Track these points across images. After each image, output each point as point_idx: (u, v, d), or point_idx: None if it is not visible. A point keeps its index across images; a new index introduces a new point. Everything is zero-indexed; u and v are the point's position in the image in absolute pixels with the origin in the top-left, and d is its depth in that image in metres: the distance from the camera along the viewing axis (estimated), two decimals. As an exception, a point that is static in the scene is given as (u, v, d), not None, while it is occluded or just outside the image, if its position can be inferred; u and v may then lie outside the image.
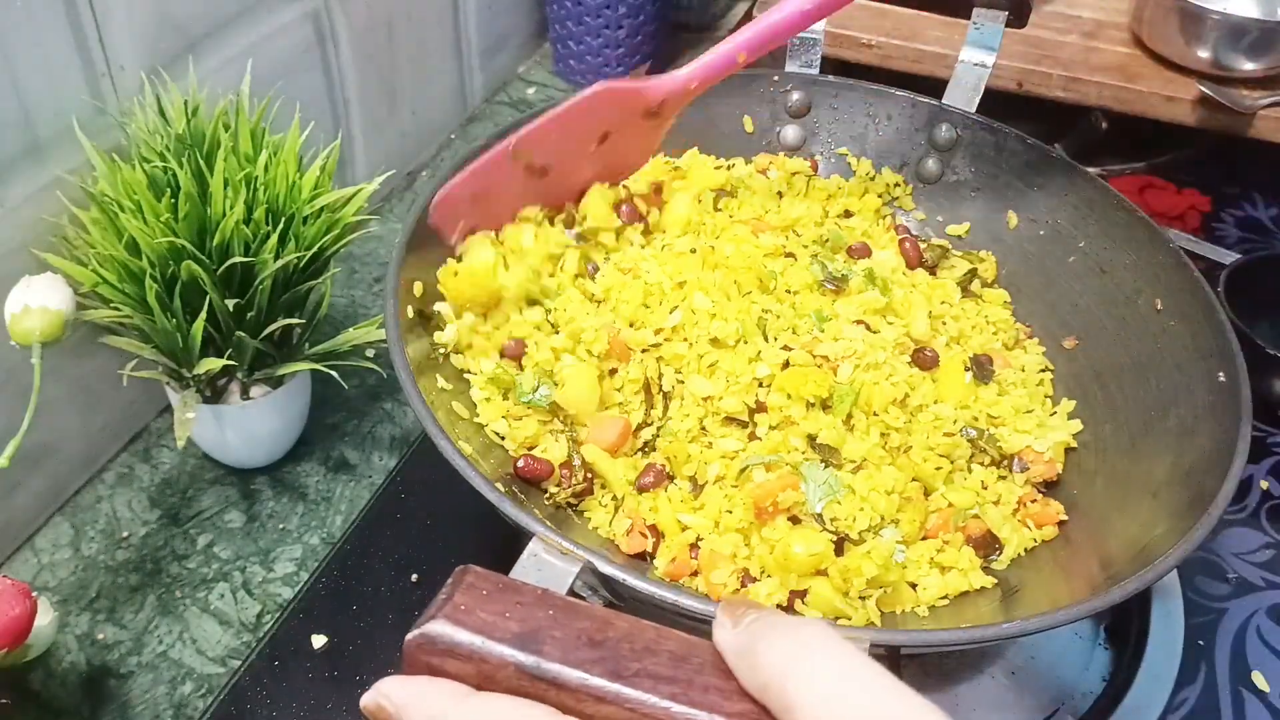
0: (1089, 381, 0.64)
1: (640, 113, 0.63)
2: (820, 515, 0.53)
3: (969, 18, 0.72)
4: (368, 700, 0.32)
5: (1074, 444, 0.62)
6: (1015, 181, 0.71)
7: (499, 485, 0.47)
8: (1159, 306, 0.62)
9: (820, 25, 0.75)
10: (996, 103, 0.74)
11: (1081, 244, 0.67)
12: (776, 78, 0.76)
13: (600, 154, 0.64)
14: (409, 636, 0.32)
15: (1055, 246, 0.69)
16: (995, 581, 0.55)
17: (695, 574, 0.54)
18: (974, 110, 0.73)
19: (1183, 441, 0.56)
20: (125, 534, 0.67)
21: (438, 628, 0.31)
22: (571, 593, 0.42)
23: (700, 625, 0.42)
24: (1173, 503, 0.52)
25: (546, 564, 0.42)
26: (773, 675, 0.29)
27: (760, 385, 0.57)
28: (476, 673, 0.31)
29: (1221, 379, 0.56)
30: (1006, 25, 0.71)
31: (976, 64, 0.72)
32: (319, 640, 0.61)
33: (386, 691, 0.31)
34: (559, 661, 0.31)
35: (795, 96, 0.76)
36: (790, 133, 0.77)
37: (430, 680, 0.31)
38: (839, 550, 0.52)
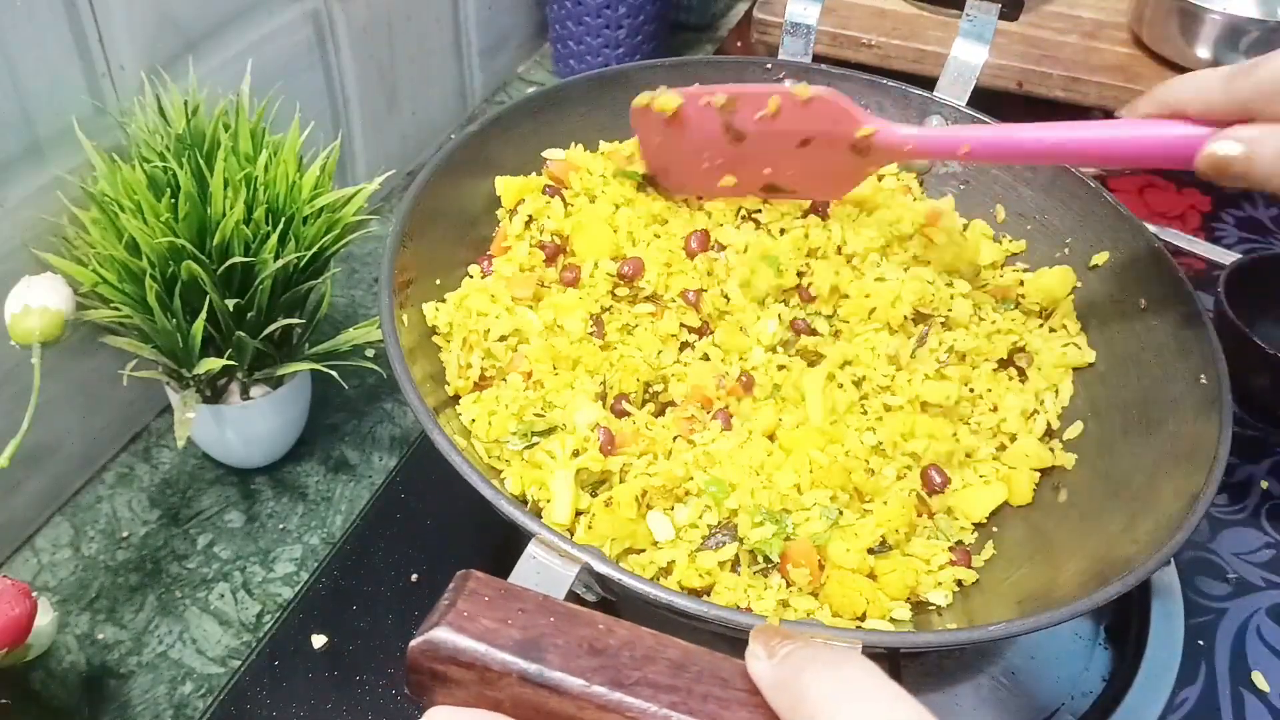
0: (1073, 380, 0.64)
1: (848, 140, 0.60)
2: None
3: (962, 10, 0.71)
4: None
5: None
6: (1004, 176, 0.71)
7: (495, 483, 0.47)
8: (1143, 305, 0.62)
9: (814, 14, 0.75)
10: (996, 102, 0.74)
11: (1068, 240, 0.67)
12: (769, 65, 0.75)
13: (795, 156, 0.61)
14: (413, 643, 0.32)
15: (1042, 243, 0.69)
16: (976, 578, 0.55)
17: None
18: (965, 103, 0.72)
19: (1165, 442, 0.56)
20: (125, 534, 0.67)
21: (441, 634, 0.31)
22: (571, 593, 0.42)
23: (693, 625, 0.42)
24: (1156, 504, 0.53)
25: (545, 565, 0.42)
26: (816, 716, 0.29)
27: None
28: (479, 679, 0.31)
29: (1203, 381, 0.56)
30: (1000, 18, 0.71)
31: (968, 56, 0.72)
32: (319, 640, 0.61)
33: None
34: (561, 669, 0.31)
35: (787, 85, 0.76)
36: None
37: (478, 712, 0.32)
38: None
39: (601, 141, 0.72)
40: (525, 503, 0.55)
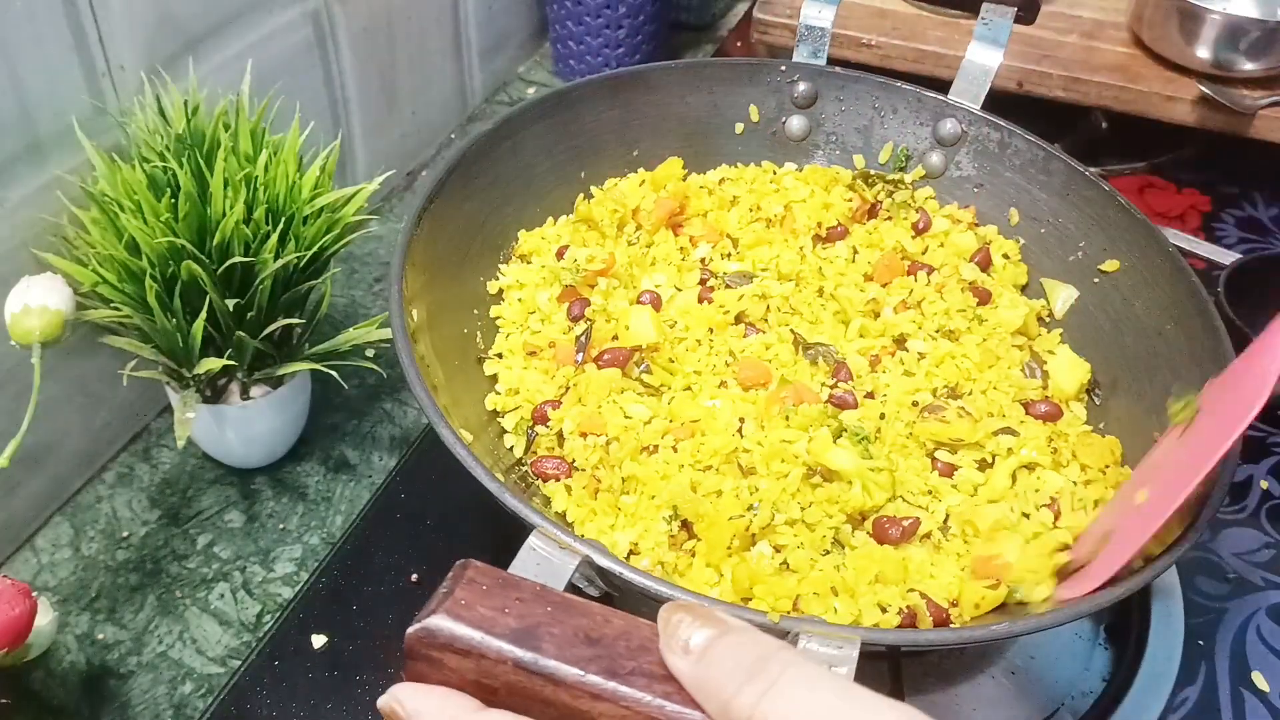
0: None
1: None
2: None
3: (977, 14, 0.71)
4: (382, 702, 0.32)
5: None
6: (1018, 179, 0.71)
7: (499, 476, 0.47)
8: (1157, 311, 0.62)
9: (829, 17, 0.75)
10: (997, 103, 0.74)
11: (1082, 244, 0.67)
12: (784, 67, 0.75)
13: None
14: (410, 630, 0.32)
15: (1055, 246, 0.69)
16: None
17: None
18: (980, 106, 0.72)
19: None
20: (125, 534, 0.67)
21: (439, 622, 0.32)
22: (570, 585, 0.42)
23: None
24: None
25: (545, 558, 0.42)
26: None
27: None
28: (475, 668, 0.31)
29: None
30: (1015, 21, 0.71)
31: (984, 60, 0.72)
32: (319, 640, 0.61)
33: (400, 697, 0.32)
34: (556, 658, 0.31)
35: (802, 87, 0.76)
36: (796, 123, 0.77)
37: (443, 691, 0.32)
38: None
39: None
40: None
